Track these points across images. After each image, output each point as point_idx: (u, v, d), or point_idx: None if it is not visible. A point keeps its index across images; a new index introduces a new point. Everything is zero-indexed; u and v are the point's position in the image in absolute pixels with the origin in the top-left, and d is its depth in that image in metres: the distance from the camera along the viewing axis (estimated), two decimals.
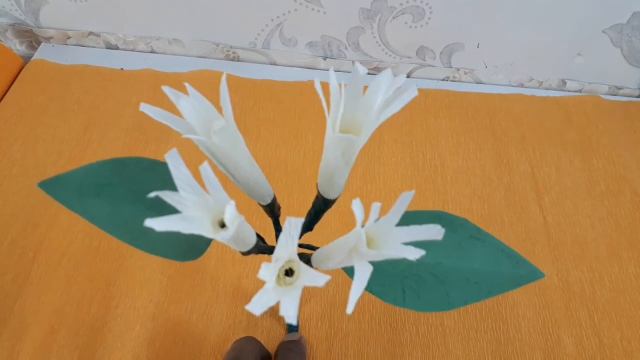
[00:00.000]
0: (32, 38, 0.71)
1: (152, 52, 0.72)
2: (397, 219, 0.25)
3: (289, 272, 0.27)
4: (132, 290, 0.51)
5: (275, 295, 0.24)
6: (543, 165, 0.65)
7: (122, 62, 0.70)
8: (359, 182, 0.60)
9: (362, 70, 0.24)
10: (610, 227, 0.60)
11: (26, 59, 0.70)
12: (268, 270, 0.23)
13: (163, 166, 0.32)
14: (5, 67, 0.66)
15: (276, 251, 0.25)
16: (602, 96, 0.73)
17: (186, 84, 0.25)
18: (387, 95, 0.24)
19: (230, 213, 0.22)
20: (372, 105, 0.24)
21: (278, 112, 0.66)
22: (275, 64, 0.73)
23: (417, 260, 0.31)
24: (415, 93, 0.24)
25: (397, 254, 0.23)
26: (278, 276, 0.26)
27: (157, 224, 0.21)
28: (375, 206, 0.23)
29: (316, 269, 0.32)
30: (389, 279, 0.32)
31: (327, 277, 0.23)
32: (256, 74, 0.70)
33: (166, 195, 0.22)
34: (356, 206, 0.23)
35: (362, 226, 0.24)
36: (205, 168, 0.22)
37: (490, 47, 0.70)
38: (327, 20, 0.67)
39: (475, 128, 0.68)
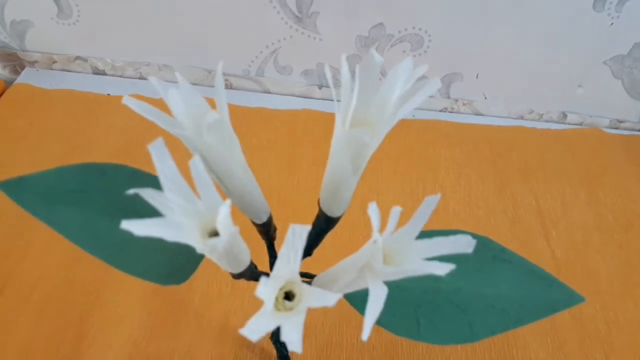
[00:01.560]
0: (16, 62, 0.68)
1: (141, 78, 0.70)
2: (418, 230, 0.21)
3: (289, 297, 0.23)
4: (108, 327, 0.46)
5: (275, 320, 0.20)
6: (548, 198, 0.62)
7: (110, 88, 0.67)
8: (357, 213, 0.57)
9: (378, 58, 0.21)
10: (622, 262, 0.57)
11: (8, 84, 0.67)
12: (267, 287, 0.20)
13: (148, 177, 0.28)
14: None
15: (276, 267, 0.21)
16: (604, 129, 0.72)
17: (177, 73, 0.22)
18: (405, 88, 0.21)
19: (224, 214, 0.18)
20: (388, 99, 0.21)
21: (271, 140, 0.63)
22: (269, 92, 0.71)
23: (435, 285, 0.27)
24: (439, 84, 0.21)
25: (420, 269, 0.20)
26: (276, 300, 0.22)
27: (136, 227, 0.18)
28: (395, 211, 0.19)
29: None
30: (400, 308, 0.28)
31: (338, 296, 0.19)
32: (249, 103, 0.68)
33: (148, 195, 0.18)
34: (372, 211, 0.19)
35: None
36: (195, 163, 0.19)
37: (490, 77, 0.69)
38: (323, 47, 0.65)
39: (476, 159, 0.66)
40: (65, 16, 0.63)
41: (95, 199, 0.25)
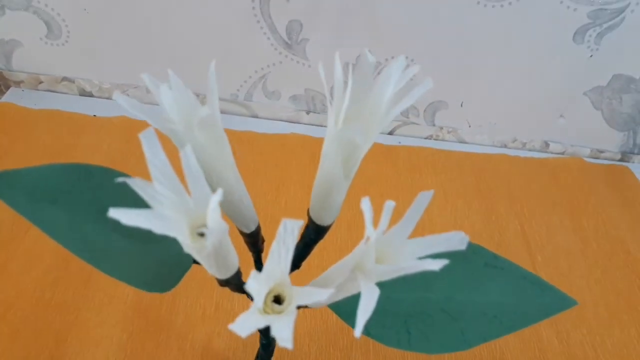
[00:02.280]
0: (1, 82, 0.68)
1: None
2: (411, 229, 0.21)
3: (278, 301, 0.22)
4: (86, 349, 0.44)
5: (265, 319, 0.20)
6: (533, 224, 0.63)
7: (96, 109, 0.67)
8: (344, 233, 0.57)
9: (371, 57, 0.21)
10: (606, 289, 0.57)
11: None
12: (257, 282, 0.19)
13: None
14: None
15: (267, 264, 0.20)
16: (585, 159, 0.73)
17: (169, 71, 0.22)
18: (398, 87, 0.21)
19: (215, 203, 0.18)
20: (381, 99, 0.21)
21: (259, 164, 0.63)
22: (257, 117, 0.71)
23: (426, 294, 0.27)
24: (431, 85, 0.21)
25: (413, 267, 0.20)
26: (265, 303, 0.21)
27: (124, 216, 0.17)
28: (389, 205, 0.19)
29: (305, 306, 0.28)
30: (390, 319, 0.27)
31: (330, 290, 0.19)
32: (237, 126, 0.68)
33: (136, 184, 0.18)
34: (365, 205, 0.19)
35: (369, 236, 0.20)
36: (187, 153, 0.18)
37: (474, 106, 0.70)
38: (312, 73, 0.66)
39: (462, 185, 0.66)
40: (55, 37, 0.63)
41: (82, 200, 0.24)
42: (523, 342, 0.50)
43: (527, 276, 0.24)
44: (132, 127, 0.64)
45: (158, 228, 0.18)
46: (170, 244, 0.30)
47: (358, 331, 0.18)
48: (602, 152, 0.74)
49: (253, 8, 0.61)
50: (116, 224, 0.26)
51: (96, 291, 0.48)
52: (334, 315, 0.50)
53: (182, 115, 0.22)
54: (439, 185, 0.66)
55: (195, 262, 0.31)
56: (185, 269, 0.30)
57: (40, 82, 0.68)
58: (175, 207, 0.20)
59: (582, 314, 0.54)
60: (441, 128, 0.73)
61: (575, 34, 0.62)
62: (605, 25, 0.61)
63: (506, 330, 0.23)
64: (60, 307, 0.47)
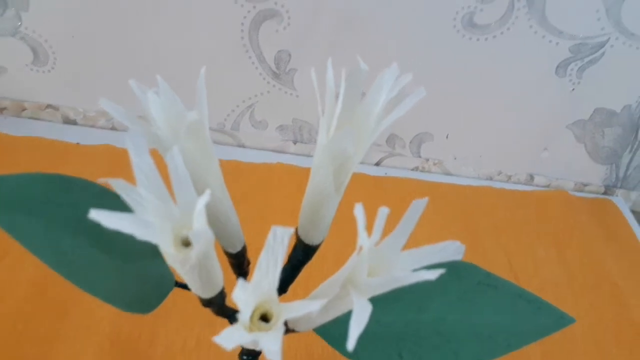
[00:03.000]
0: None
1: (113, 129, 0.69)
2: (404, 240, 0.21)
3: (264, 319, 0.21)
4: None
5: (251, 336, 0.18)
6: (520, 257, 0.62)
7: (80, 138, 0.66)
8: (330, 265, 0.55)
9: (364, 65, 0.21)
10: (595, 322, 0.56)
11: None
12: (245, 292, 0.18)
13: (117, 198, 0.27)
14: None
15: (254, 277, 0.19)
16: (569, 192, 0.74)
17: (157, 76, 0.22)
18: (391, 96, 0.21)
19: (201, 207, 0.17)
20: (373, 107, 0.21)
21: (244, 192, 0.62)
22: (244, 147, 0.71)
23: (418, 316, 0.26)
24: (424, 93, 0.21)
25: (408, 279, 0.19)
26: (251, 321, 0.20)
27: (106, 218, 0.16)
28: (382, 212, 0.19)
29: (292, 330, 0.27)
30: (381, 344, 0.26)
31: (322, 302, 0.18)
32: (223, 156, 0.67)
33: (119, 186, 0.17)
34: (358, 212, 0.19)
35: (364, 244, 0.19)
36: (174, 155, 0.18)
37: (459, 138, 0.71)
38: (299, 103, 0.67)
39: (448, 217, 0.66)
40: (41, 63, 0.63)
41: (59, 212, 0.23)
42: None
43: (523, 294, 0.24)
44: (116, 156, 0.63)
45: (141, 233, 0.17)
46: (151, 264, 0.29)
47: (351, 344, 0.17)
48: (586, 185, 0.75)
49: (242, 38, 0.61)
50: (95, 239, 0.25)
51: (72, 322, 0.46)
52: (320, 347, 0.48)
53: (169, 122, 0.21)
54: (425, 217, 0.64)
55: (177, 284, 0.30)
56: (167, 291, 0.29)
57: (24, 109, 0.67)
58: (160, 214, 0.19)
59: (572, 347, 0.53)
60: (427, 160, 0.73)
61: (557, 67, 0.64)
62: (586, 59, 0.63)
63: (502, 350, 0.22)
64: (33, 339, 0.45)
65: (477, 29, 0.61)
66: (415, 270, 0.20)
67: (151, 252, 0.29)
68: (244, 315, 0.18)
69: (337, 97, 0.20)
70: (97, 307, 0.47)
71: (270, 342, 0.17)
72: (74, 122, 0.68)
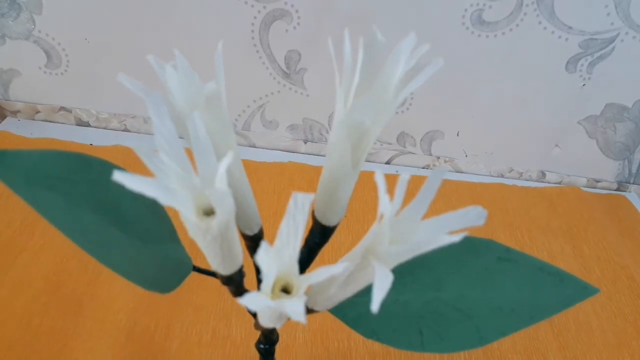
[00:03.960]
0: None
1: (126, 130, 0.69)
2: (425, 209, 0.21)
3: (285, 292, 0.21)
4: None
5: (274, 302, 0.18)
6: (534, 251, 0.62)
7: (92, 139, 0.67)
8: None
9: (381, 36, 0.21)
10: (613, 314, 0.56)
11: None
12: (268, 254, 0.18)
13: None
14: None
15: (276, 245, 0.19)
16: (582, 188, 0.73)
17: (175, 51, 0.22)
18: (409, 66, 0.21)
19: (224, 168, 0.17)
20: (391, 78, 0.21)
21: (256, 191, 0.62)
22: (255, 147, 0.71)
23: (437, 294, 0.26)
24: (441, 63, 0.21)
25: (430, 243, 0.19)
26: (272, 292, 0.20)
27: (130, 180, 0.16)
28: (403, 179, 0.19)
29: (311, 310, 0.27)
30: (401, 322, 0.26)
31: (345, 264, 0.18)
32: None
33: (141, 152, 0.17)
34: (379, 178, 0.19)
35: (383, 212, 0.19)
36: (195, 120, 0.18)
37: (470, 135, 0.71)
38: (309, 103, 0.67)
39: None
40: (54, 66, 0.63)
41: (79, 190, 0.23)
42: None
43: (544, 267, 0.24)
44: (128, 156, 0.64)
45: (164, 198, 0.17)
46: (169, 247, 0.29)
47: (375, 307, 0.17)
48: (598, 181, 0.75)
49: (252, 38, 0.62)
50: (115, 218, 0.25)
51: (87, 316, 0.46)
52: (336, 342, 0.48)
53: (186, 95, 0.21)
54: (438, 213, 0.65)
55: (195, 268, 0.30)
56: (185, 274, 0.29)
57: (37, 112, 0.68)
58: (181, 181, 0.19)
59: (590, 340, 0.52)
60: (438, 158, 0.73)
61: (567, 63, 0.64)
62: (596, 55, 0.63)
63: (526, 322, 0.22)
64: (49, 333, 0.45)
65: (486, 25, 0.62)
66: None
67: (169, 236, 0.30)
68: (267, 279, 0.18)
69: (354, 66, 0.21)
70: (112, 301, 0.47)
71: (294, 305, 0.17)
72: (87, 124, 0.69)
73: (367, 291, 0.27)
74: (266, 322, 0.24)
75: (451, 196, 0.68)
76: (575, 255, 0.62)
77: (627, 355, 0.51)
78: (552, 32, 0.62)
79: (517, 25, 0.61)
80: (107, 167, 0.25)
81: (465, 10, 0.60)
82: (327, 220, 0.28)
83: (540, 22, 0.61)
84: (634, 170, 0.73)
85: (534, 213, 0.68)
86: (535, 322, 0.22)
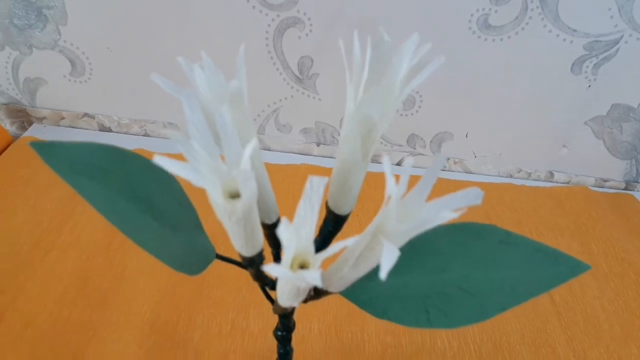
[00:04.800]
0: (24, 118, 0.71)
1: (146, 135, 0.72)
2: (427, 191, 0.23)
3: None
4: None
5: (294, 274, 0.21)
6: None
7: (115, 144, 0.69)
8: None
9: (387, 37, 0.23)
10: (620, 308, 0.57)
11: (15, 139, 0.69)
12: (288, 229, 0.20)
13: (161, 172, 0.30)
14: None
15: (294, 223, 0.22)
16: (590, 188, 0.74)
17: (202, 52, 0.24)
18: (412, 64, 0.23)
19: (249, 152, 0.19)
20: (397, 75, 0.23)
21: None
22: (269, 150, 0.73)
23: (443, 275, 0.28)
24: (442, 60, 0.23)
25: (433, 220, 0.21)
26: (292, 268, 0.23)
27: (168, 164, 0.19)
28: (408, 163, 0.21)
29: (326, 291, 0.29)
30: (409, 302, 0.28)
31: (357, 238, 0.20)
32: None
33: (176, 138, 0.20)
34: (386, 162, 0.21)
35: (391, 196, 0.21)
36: (223, 113, 0.20)
37: (479, 136, 0.72)
38: (322, 106, 0.69)
39: (470, 212, 0.67)
40: (78, 74, 0.67)
41: (115, 180, 0.26)
42: None
43: (541, 248, 0.25)
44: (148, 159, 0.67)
45: (196, 180, 0.20)
46: (195, 235, 0.32)
47: (383, 274, 0.19)
48: (606, 181, 0.76)
49: (267, 45, 0.64)
50: (147, 206, 0.28)
51: (113, 309, 0.49)
52: (350, 333, 0.50)
53: (212, 92, 0.24)
54: None
55: (218, 256, 0.33)
56: (209, 260, 0.31)
57: (62, 118, 0.71)
58: (210, 167, 0.21)
59: (598, 333, 0.54)
60: (447, 159, 0.75)
61: (572, 65, 0.65)
62: (601, 57, 0.65)
63: (523, 298, 0.24)
64: (78, 324, 0.47)
65: (493, 30, 0.64)
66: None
67: (195, 226, 0.32)
68: (287, 251, 0.20)
69: (363, 65, 0.23)
70: (136, 296, 0.50)
71: (311, 274, 0.19)
72: (109, 130, 0.72)
73: (376, 275, 0.30)
74: (285, 299, 0.26)
75: None
76: (583, 252, 0.64)
77: (634, 347, 0.53)
78: (557, 35, 0.63)
79: (523, 29, 0.63)
80: (140, 160, 0.28)
81: (472, 15, 0.63)
82: (340, 210, 0.30)
83: (545, 26, 0.63)
84: None
85: (542, 212, 0.69)
86: (532, 297, 0.24)
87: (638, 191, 0.76)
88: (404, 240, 0.22)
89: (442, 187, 0.71)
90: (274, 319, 0.34)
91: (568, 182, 0.76)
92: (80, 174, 0.24)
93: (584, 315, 0.55)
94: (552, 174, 0.76)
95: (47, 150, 0.23)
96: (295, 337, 0.48)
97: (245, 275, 0.51)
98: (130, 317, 0.48)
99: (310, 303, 0.49)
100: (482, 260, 0.27)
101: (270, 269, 0.19)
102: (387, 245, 0.21)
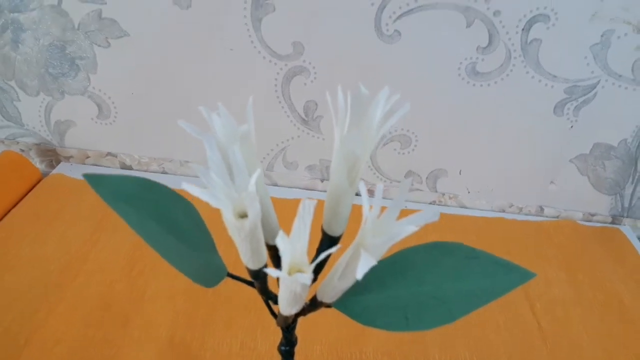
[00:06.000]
0: (53, 157, 0.78)
1: (164, 172, 0.79)
2: (397, 212, 0.28)
3: None
4: None
5: (291, 277, 0.26)
6: None
7: None
8: None
9: (364, 90, 0.29)
10: (604, 335, 0.61)
11: (44, 176, 0.75)
12: (284, 241, 0.26)
13: (183, 201, 0.35)
14: (24, 176, 0.71)
15: (290, 239, 0.27)
16: (578, 222, 0.79)
17: (219, 103, 0.30)
18: (385, 110, 0.29)
19: (253, 180, 0.25)
20: (373, 120, 0.29)
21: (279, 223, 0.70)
22: (277, 185, 0.79)
23: (420, 288, 0.33)
24: (408, 108, 0.29)
25: (400, 233, 0.26)
26: (289, 273, 0.28)
27: (193, 190, 0.24)
28: (379, 189, 0.26)
29: (320, 302, 0.34)
30: (391, 311, 0.33)
31: (339, 246, 0.25)
32: None
33: (199, 170, 0.25)
34: (362, 188, 0.26)
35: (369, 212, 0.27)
36: (235, 151, 0.26)
37: (472, 173, 0.78)
38: (326, 145, 0.75)
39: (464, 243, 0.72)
40: (104, 117, 0.74)
41: (146, 206, 0.32)
42: None
43: (498, 261, 0.31)
44: None
45: (213, 202, 0.25)
46: (210, 255, 0.37)
47: (359, 275, 0.25)
48: (593, 215, 0.80)
49: (276, 91, 0.71)
50: (172, 229, 0.33)
51: (134, 329, 0.54)
52: (350, 353, 0.54)
53: (226, 134, 0.30)
54: None
55: (229, 275, 0.38)
56: (222, 276, 0.37)
57: (87, 157, 0.78)
58: (224, 192, 0.27)
59: (581, 357, 0.57)
60: (443, 194, 0.80)
61: (555, 107, 0.71)
62: (580, 100, 0.70)
63: (483, 302, 0.29)
64: (102, 342, 0.52)
65: (480, 76, 0.70)
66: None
67: (210, 247, 0.37)
68: (285, 257, 0.25)
69: (346, 112, 0.29)
70: (155, 317, 0.55)
71: (303, 276, 0.25)
72: (129, 168, 0.79)
73: (364, 290, 0.35)
74: (285, 306, 0.31)
75: (455, 228, 0.75)
76: (569, 280, 0.68)
77: None
78: (540, 81, 0.70)
79: (507, 75, 0.70)
80: (166, 190, 0.33)
81: (461, 63, 0.69)
82: (333, 231, 0.35)
83: (527, 72, 0.69)
84: (626, 204, 0.79)
85: (531, 244, 0.74)
86: (489, 301, 0.29)
87: (624, 225, 0.80)
88: (381, 251, 0.27)
89: (438, 221, 0.76)
90: (279, 338, 0.39)
91: (557, 217, 0.81)
92: (120, 201, 0.30)
93: (568, 340, 0.59)
94: (542, 209, 0.80)
95: (96, 181, 0.29)
96: (299, 356, 0.52)
97: (253, 299, 0.57)
98: (150, 337, 0.53)
99: (313, 325, 0.54)
100: (452, 273, 0.32)
101: (271, 271, 0.24)
102: (364, 255, 0.26)
